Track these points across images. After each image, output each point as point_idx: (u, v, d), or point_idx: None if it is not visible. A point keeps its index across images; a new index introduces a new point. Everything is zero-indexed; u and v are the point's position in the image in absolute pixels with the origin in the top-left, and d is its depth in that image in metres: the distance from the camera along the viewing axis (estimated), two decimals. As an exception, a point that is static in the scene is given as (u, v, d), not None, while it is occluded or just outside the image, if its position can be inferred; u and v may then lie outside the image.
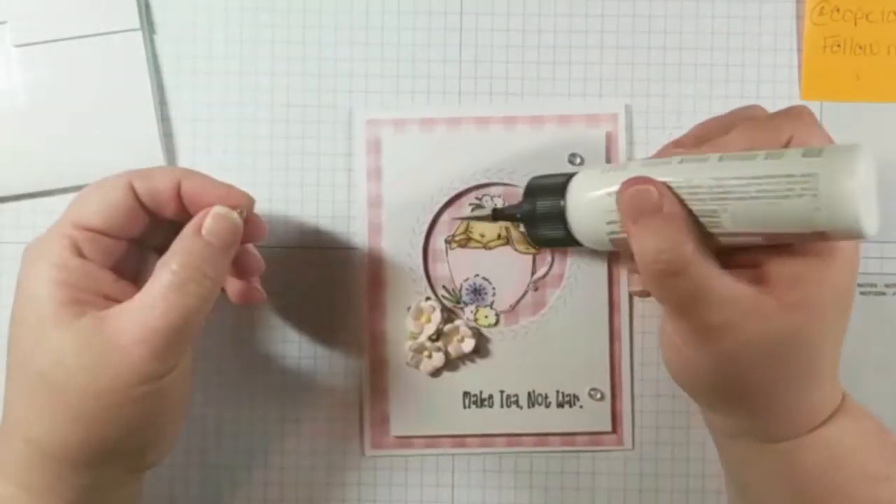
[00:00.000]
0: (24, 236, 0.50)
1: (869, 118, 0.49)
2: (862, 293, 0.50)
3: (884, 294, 0.50)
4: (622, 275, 0.50)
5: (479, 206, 0.50)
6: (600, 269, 0.50)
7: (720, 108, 0.49)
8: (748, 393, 0.41)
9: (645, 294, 0.48)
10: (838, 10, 0.49)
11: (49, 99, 0.48)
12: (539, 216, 0.45)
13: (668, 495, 0.50)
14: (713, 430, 0.46)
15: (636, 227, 0.39)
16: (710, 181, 0.38)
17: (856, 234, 0.36)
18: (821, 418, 0.41)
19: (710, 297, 0.38)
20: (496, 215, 0.48)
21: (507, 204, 0.49)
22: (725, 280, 0.38)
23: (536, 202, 0.45)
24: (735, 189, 0.38)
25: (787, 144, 0.39)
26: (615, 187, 0.41)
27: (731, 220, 0.38)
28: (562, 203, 0.44)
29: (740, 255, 0.40)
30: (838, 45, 0.49)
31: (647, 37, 0.50)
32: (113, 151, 0.48)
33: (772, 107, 0.49)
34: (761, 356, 0.39)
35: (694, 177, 0.39)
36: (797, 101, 0.50)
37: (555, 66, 0.50)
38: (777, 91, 0.50)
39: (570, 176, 0.44)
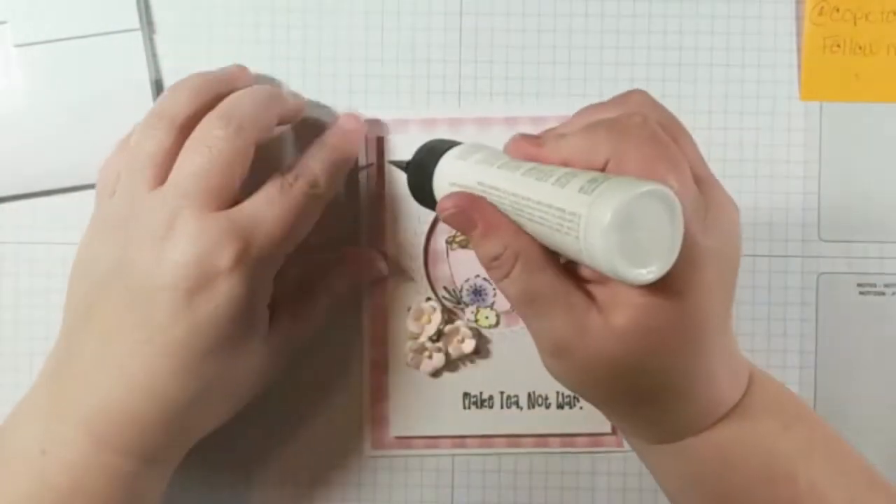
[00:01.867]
0: (23, 236, 0.50)
1: (869, 118, 0.50)
2: (862, 293, 0.50)
3: (883, 294, 0.50)
4: None
5: None
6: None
7: (720, 108, 0.50)
8: (607, 405, 0.40)
9: None
10: (838, 10, 0.49)
11: (49, 99, 0.48)
12: (414, 173, 0.44)
13: (668, 495, 0.50)
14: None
15: (468, 236, 0.39)
16: (510, 195, 0.38)
17: (628, 281, 0.34)
18: (708, 421, 0.39)
19: (542, 305, 0.37)
20: (394, 162, 0.48)
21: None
22: (560, 289, 0.37)
23: (419, 158, 0.44)
24: (525, 209, 0.37)
25: (604, 165, 0.37)
26: (451, 186, 0.41)
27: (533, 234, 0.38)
28: (432, 169, 0.43)
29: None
30: (838, 45, 0.49)
31: (647, 37, 0.50)
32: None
33: (772, 107, 0.50)
34: (604, 376, 0.37)
35: (504, 185, 0.38)
36: (797, 102, 0.50)
37: (555, 66, 0.50)
38: (777, 91, 0.50)
39: (450, 146, 0.44)
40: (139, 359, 0.40)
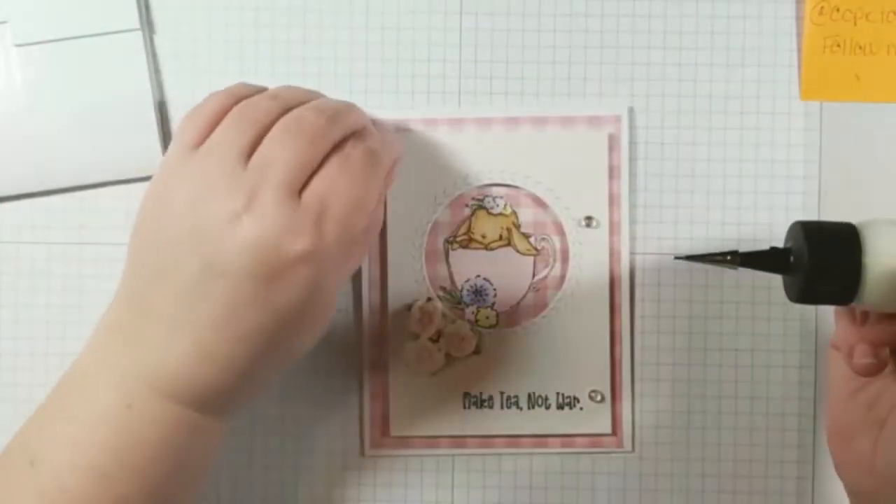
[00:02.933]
0: (23, 236, 0.50)
1: (869, 118, 0.49)
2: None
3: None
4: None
5: (479, 206, 0.50)
6: (601, 270, 0.49)
7: (720, 108, 0.50)
8: None
9: (872, 372, 0.41)
10: (838, 10, 0.49)
11: (49, 99, 0.48)
12: (828, 270, 0.39)
13: (667, 495, 0.50)
14: None
15: None
16: None
17: None
18: None
19: None
20: (746, 262, 0.41)
21: (514, 206, 0.50)
22: None
23: (825, 254, 0.39)
24: None
25: None
26: None
27: None
28: (862, 259, 0.38)
29: None
30: (838, 45, 0.49)
31: (647, 37, 0.50)
32: (113, 151, 0.49)
33: (772, 107, 0.50)
34: None
35: None
36: (797, 102, 0.50)
37: (555, 66, 0.50)
38: (777, 91, 0.50)
39: (850, 226, 0.39)
40: (216, 337, 0.40)
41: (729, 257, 0.41)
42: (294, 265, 0.40)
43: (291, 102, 0.43)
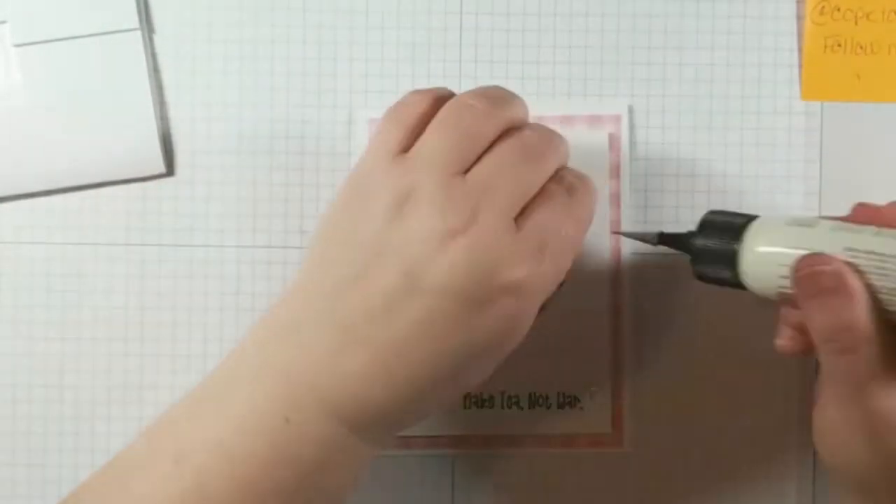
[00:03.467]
0: (23, 236, 0.50)
1: (869, 118, 0.50)
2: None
3: (885, 294, 0.50)
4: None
5: None
6: (602, 270, 0.49)
7: (720, 107, 0.50)
8: None
9: (798, 355, 0.43)
10: (839, 10, 0.49)
11: (49, 99, 0.48)
12: (709, 255, 0.42)
13: (667, 495, 0.50)
14: None
15: (810, 302, 0.38)
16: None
17: None
18: None
19: (883, 380, 0.37)
20: (662, 240, 0.45)
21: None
22: None
23: (709, 240, 0.42)
24: None
25: None
26: (795, 251, 0.39)
27: None
28: (735, 247, 0.41)
29: None
30: (839, 45, 0.49)
31: (647, 37, 0.50)
32: (112, 151, 0.49)
33: (772, 107, 0.50)
34: None
35: (887, 251, 0.37)
36: (797, 102, 0.50)
37: (555, 66, 0.50)
38: (777, 91, 0.50)
39: (749, 218, 0.42)
40: (401, 356, 0.38)
41: (653, 238, 0.45)
42: (503, 294, 0.38)
43: (508, 115, 0.41)
